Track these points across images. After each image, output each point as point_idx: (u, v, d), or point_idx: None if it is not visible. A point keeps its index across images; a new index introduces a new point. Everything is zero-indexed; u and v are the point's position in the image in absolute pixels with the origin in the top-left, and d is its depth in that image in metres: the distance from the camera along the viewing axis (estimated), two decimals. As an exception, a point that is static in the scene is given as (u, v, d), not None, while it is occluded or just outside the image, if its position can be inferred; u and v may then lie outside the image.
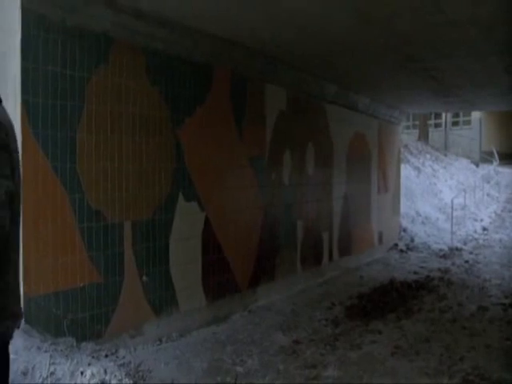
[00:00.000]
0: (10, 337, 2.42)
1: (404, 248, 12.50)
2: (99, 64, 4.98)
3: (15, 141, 2.37)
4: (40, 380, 3.94)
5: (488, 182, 19.86)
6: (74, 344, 4.63)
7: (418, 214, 14.82)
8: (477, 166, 22.06)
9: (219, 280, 6.58)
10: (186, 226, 6.03)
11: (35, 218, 4.35)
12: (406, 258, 11.76)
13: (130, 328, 5.28)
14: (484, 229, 15.48)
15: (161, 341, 5.55)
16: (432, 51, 6.93)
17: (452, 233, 13.96)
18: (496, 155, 22.53)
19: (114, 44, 5.12)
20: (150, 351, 5.27)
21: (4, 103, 2.49)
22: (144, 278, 5.46)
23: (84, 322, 4.80)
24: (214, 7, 5.19)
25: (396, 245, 12.62)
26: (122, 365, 4.69)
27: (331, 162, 9.69)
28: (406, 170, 15.58)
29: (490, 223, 16.29)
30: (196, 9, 5.22)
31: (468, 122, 25.52)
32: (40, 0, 4.39)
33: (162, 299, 5.70)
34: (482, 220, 16.29)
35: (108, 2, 4.85)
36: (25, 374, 3.88)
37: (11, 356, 3.90)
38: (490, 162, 22.48)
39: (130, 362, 4.81)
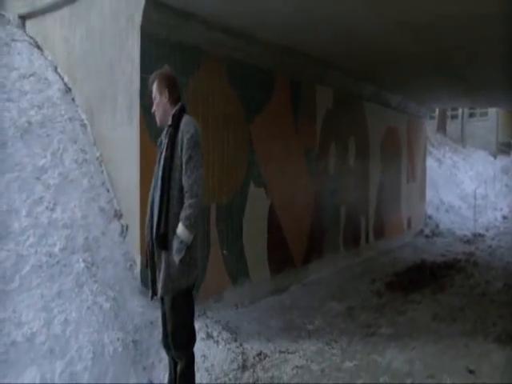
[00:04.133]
0: (196, 280, 3.47)
1: (430, 234, 13.24)
2: (193, 71, 5.93)
3: None
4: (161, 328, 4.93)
5: (506, 174, 20.45)
6: (176, 305, 5.62)
7: (441, 202, 15.54)
8: (494, 157, 22.61)
9: (280, 256, 7.50)
10: (256, 208, 6.95)
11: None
12: (432, 242, 12.49)
13: (214, 294, 6.19)
14: (504, 217, 16.20)
15: (237, 306, 6.44)
16: (467, 61, 7.73)
17: (474, 220, 14.73)
18: (514, 147, 23.04)
19: (204, 54, 6.06)
20: (230, 314, 6.15)
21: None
22: (225, 252, 6.41)
23: (182, 287, 5.77)
24: (290, 22, 6.04)
25: (422, 231, 13.35)
26: (216, 322, 5.69)
27: (368, 154, 10.54)
28: (428, 161, 16.03)
29: (510, 212, 16.94)
30: (272, 24, 6.10)
31: (485, 114, 24.95)
32: (152, 21, 5.35)
33: (238, 271, 6.64)
34: (501, 209, 17.00)
35: (202, 20, 5.80)
36: (152, 323, 4.87)
37: (140, 309, 5.00)
38: (507, 153, 22.84)
39: (219, 321, 5.77)
